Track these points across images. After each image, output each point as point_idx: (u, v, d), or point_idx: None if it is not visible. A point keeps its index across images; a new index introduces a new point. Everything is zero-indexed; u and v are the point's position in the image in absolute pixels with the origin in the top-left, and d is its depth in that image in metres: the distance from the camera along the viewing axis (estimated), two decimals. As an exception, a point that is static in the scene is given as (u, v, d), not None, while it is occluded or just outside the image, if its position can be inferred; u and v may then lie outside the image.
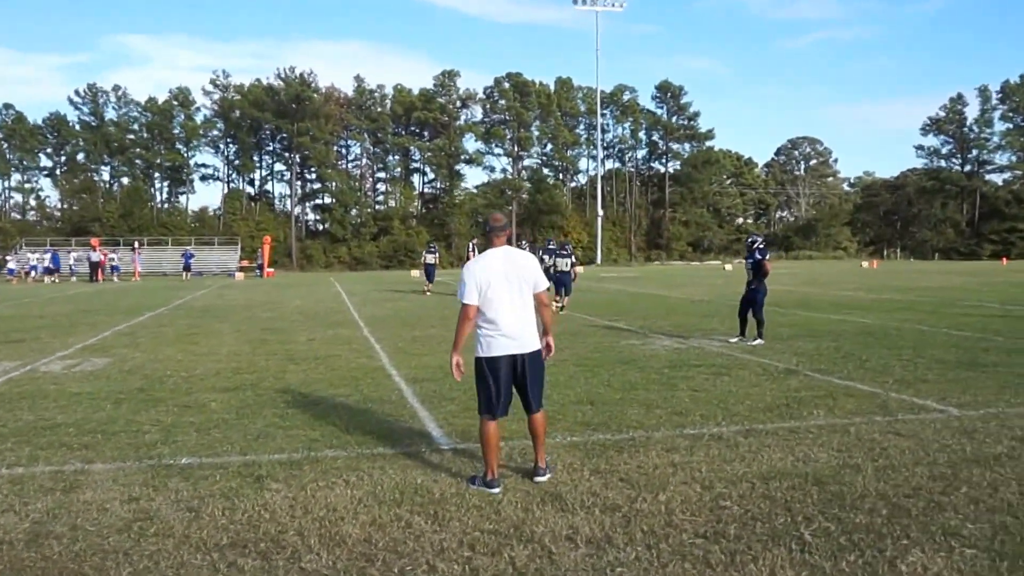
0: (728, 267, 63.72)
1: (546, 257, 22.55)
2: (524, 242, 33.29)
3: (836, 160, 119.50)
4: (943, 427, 7.45)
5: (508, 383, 5.80)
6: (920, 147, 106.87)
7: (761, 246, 13.94)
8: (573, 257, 23.27)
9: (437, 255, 32.31)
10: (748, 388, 9.56)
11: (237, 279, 53.68)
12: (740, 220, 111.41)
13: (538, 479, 5.87)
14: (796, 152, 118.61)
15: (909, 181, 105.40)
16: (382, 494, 5.75)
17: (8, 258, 52.85)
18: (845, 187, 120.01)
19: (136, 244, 58.84)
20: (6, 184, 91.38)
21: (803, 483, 5.82)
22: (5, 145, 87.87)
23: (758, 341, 13.47)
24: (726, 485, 5.82)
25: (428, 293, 29.62)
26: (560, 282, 21.31)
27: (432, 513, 5.33)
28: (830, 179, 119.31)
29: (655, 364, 11.51)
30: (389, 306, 24.45)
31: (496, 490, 5.67)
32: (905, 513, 5.16)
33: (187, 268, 53.74)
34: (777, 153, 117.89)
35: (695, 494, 5.61)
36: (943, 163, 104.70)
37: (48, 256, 54.37)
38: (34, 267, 52.42)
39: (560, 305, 21.25)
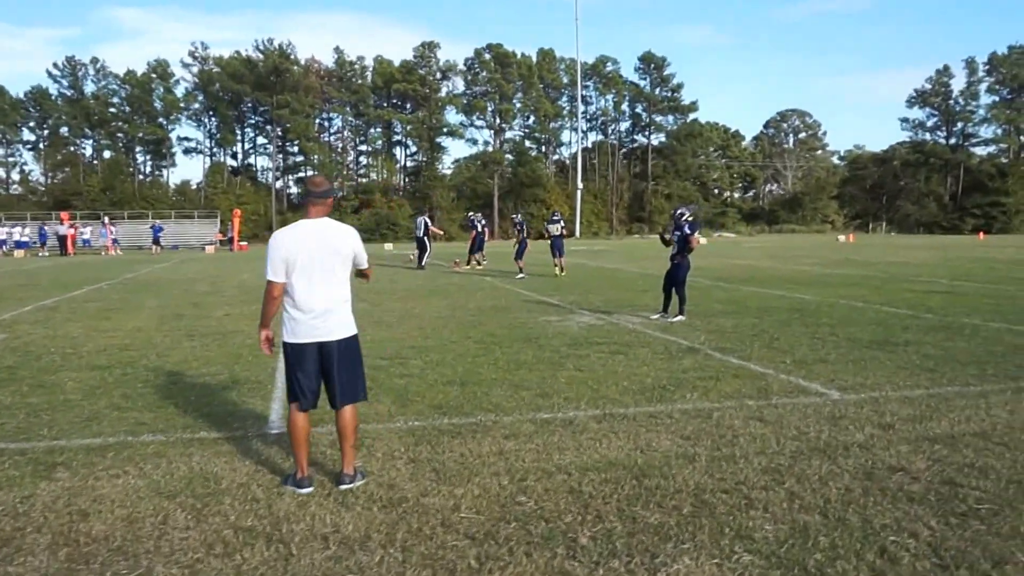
0: (703, 240, 63.05)
1: (550, 227, 24.63)
2: (518, 215, 32.72)
3: (825, 133, 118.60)
4: (813, 412, 6.99)
5: (315, 372, 5.18)
6: (905, 120, 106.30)
7: (690, 219, 13.37)
8: (562, 222, 25.55)
9: (483, 224, 30.39)
10: (635, 368, 9.09)
11: (207, 252, 52.94)
12: (728, 193, 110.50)
13: (343, 487, 5.19)
14: (785, 125, 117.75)
15: (896, 155, 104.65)
16: (165, 484, 5.31)
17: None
18: (835, 160, 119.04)
19: (106, 218, 57.84)
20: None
21: (624, 475, 5.36)
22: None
23: (679, 318, 13.00)
24: (539, 477, 5.35)
25: (480, 265, 29.00)
26: (554, 246, 24.22)
27: (199, 508, 4.84)
28: (819, 152, 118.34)
29: (556, 342, 11.02)
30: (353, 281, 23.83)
31: (306, 490, 5.12)
32: (708, 511, 4.69)
33: (156, 242, 53.01)
34: (766, 126, 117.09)
35: (497, 488, 5.13)
36: (928, 136, 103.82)
37: (24, 230, 53.56)
38: (3, 242, 51.56)
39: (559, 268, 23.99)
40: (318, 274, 5.05)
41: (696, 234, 13.33)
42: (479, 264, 28.86)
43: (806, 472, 5.38)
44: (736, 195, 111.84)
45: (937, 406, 7.16)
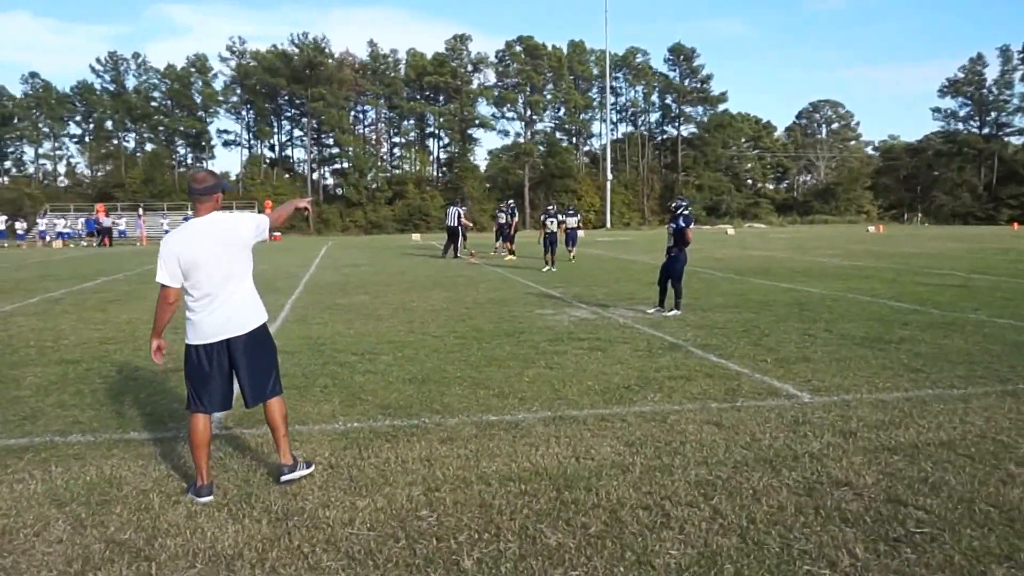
0: (731, 231, 62.22)
1: (547, 221, 24.19)
2: (508, 203, 32.42)
3: (858, 123, 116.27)
4: (775, 417, 6.58)
5: (222, 371, 4.95)
6: (937, 110, 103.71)
7: (686, 212, 12.92)
8: (578, 216, 28.03)
9: (508, 214, 30.35)
10: (607, 366, 8.72)
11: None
12: (760, 184, 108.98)
13: (284, 478, 5.11)
14: (817, 115, 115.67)
15: (930, 145, 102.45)
16: (64, 491, 5.09)
17: (17, 224, 52.57)
18: (869, 151, 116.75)
19: (140, 210, 58.28)
20: (38, 151, 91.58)
21: (546, 487, 5.01)
22: (36, 113, 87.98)
23: (673, 312, 12.59)
24: (455, 487, 5.01)
25: (510, 256, 28.77)
26: (569, 237, 26.27)
27: (83, 517, 4.61)
28: (852, 143, 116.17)
29: (538, 338, 10.68)
30: (349, 271, 23.69)
31: (205, 499, 4.85)
32: (618, 531, 4.35)
33: (185, 232, 52.95)
34: (798, 116, 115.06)
35: (404, 499, 4.82)
36: (960, 126, 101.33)
37: (65, 221, 54.23)
38: (43, 232, 52.18)
39: (572, 256, 26.30)
40: (218, 270, 4.85)
41: (691, 227, 12.82)
42: (511, 254, 28.71)
43: (742, 486, 4.98)
44: (769, 186, 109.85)
45: (910, 411, 6.70)
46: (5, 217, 52.14)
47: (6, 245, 49.45)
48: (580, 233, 30.89)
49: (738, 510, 4.63)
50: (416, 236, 58.34)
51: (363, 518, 4.59)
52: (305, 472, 5.19)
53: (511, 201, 33.79)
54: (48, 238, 51.41)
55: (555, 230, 23.99)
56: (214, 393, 4.95)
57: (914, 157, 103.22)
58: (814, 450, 5.72)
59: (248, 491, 5.08)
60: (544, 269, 22.83)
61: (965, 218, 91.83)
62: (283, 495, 4.97)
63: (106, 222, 51.27)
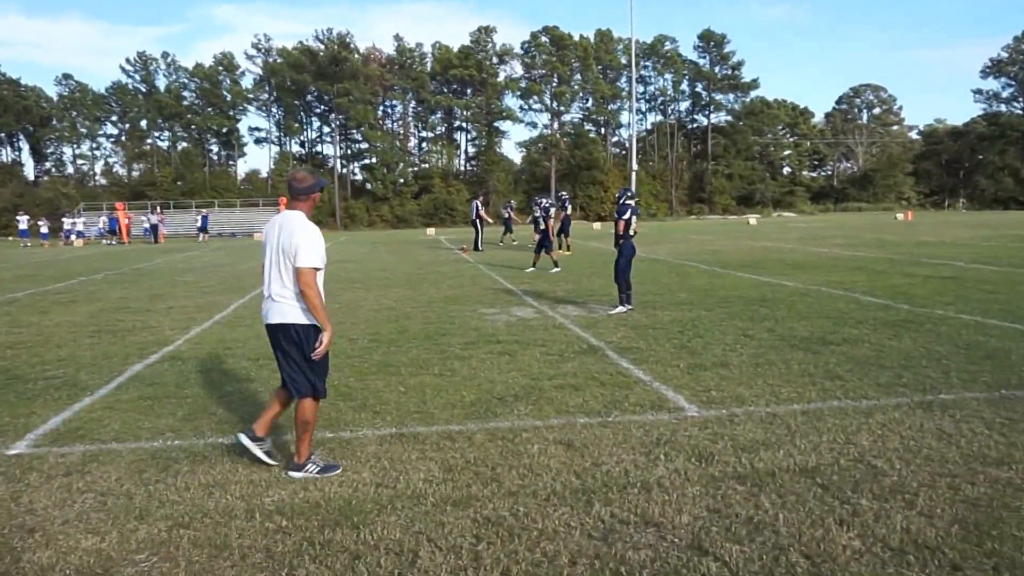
0: (752, 221, 60.89)
1: (537, 212, 21.82)
2: (508, 203, 32.01)
3: (900, 108, 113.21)
4: (641, 435, 5.89)
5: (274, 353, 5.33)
6: (979, 91, 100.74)
7: (623, 202, 12.12)
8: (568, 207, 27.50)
9: (509, 209, 33.08)
10: (504, 373, 8.06)
11: (255, 239, 53.07)
12: (796, 172, 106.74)
13: (291, 473, 5.24)
14: (858, 100, 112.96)
15: (974, 128, 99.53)
16: None
17: (40, 223, 53.02)
18: (913, 135, 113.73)
19: (158, 208, 58.49)
20: (76, 151, 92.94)
21: (314, 523, 4.46)
22: (74, 114, 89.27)
23: (618, 309, 11.81)
24: (209, 522, 4.42)
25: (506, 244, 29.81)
26: (562, 229, 26.20)
27: None
28: (895, 128, 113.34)
29: (457, 340, 10.08)
30: (332, 268, 23.11)
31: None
32: None
33: (204, 230, 53.22)
34: (838, 102, 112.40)
35: (143, 536, 4.18)
36: (1003, 108, 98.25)
37: (80, 220, 54.65)
38: (68, 232, 52.57)
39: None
40: (268, 262, 5.17)
41: (624, 218, 12.02)
42: (566, 249, 27.14)
43: (531, 527, 4.28)
44: (806, 173, 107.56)
45: (799, 427, 5.92)
46: (27, 217, 52.29)
47: (28, 244, 49.69)
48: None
49: (504, 558, 3.87)
50: (431, 231, 57.79)
51: (67, 564, 3.91)
52: (312, 472, 5.17)
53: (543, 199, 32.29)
54: (72, 237, 51.62)
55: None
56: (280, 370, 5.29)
57: (957, 141, 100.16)
58: (652, 479, 4.96)
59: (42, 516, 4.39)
60: (553, 271, 20.18)
61: (1007, 203, 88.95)
62: (19, 531, 4.28)
63: (153, 218, 51.25)
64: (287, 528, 4.34)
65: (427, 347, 9.69)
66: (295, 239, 4.92)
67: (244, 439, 5.31)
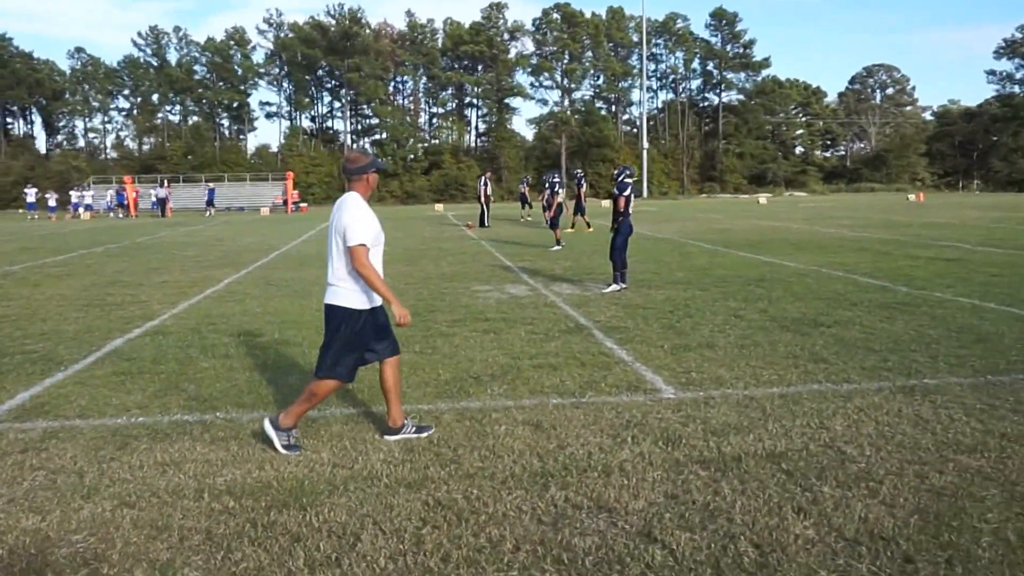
0: (762, 200, 60.48)
1: (561, 190, 22.05)
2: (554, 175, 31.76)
3: (914, 88, 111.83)
4: (612, 418, 5.81)
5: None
6: (992, 72, 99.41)
7: (622, 179, 11.97)
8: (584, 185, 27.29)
9: (526, 184, 34.14)
10: (484, 352, 7.99)
11: (262, 214, 53.14)
12: (808, 152, 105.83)
13: (388, 437, 5.44)
14: (872, 80, 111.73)
15: (987, 109, 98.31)
16: None
17: (48, 195, 53.16)
18: (927, 116, 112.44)
19: (166, 182, 58.45)
20: (87, 125, 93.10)
21: (262, 504, 4.40)
22: (86, 88, 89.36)
23: (611, 288, 11.71)
24: (155, 502, 4.39)
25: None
26: (577, 207, 26.37)
27: None
28: (908, 108, 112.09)
29: (445, 317, 10.10)
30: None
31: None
32: (270, 566, 3.46)
33: (210, 203, 53.19)
34: (851, 82, 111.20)
35: (86, 515, 4.15)
36: (1017, 89, 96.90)
37: (89, 194, 54.73)
38: (76, 205, 52.67)
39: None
40: (329, 242, 5.13)
41: (625, 195, 11.88)
42: (585, 227, 27.21)
43: (481, 510, 4.18)
44: (818, 153, 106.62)
45: (774, 411, 5.79)
46: (36, 190, 52.37)
47: (36, 217, 49.81)
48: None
49: (446, 543, 3.78)
50: (439, 207, 57.64)
51: (13, 539, 3.84)
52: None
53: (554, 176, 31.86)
54: (80, 210, 51.71)
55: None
56: None
57: (970, 122, 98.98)
58: (614, 462, 4.84)
59: None
60: (556, 248, 19.93)
61: (1021, 185, 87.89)
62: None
63: (161, 192, 51.24)
64: (233, 509, 4.24)
65: (413, 324, 9.51)
66: (344, 219, 4.90)
67: (389, 437, 5.34)
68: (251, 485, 4.59)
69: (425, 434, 5.35)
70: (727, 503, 4.21)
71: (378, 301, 5.13)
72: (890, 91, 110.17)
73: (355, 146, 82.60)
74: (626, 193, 11.94)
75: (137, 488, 4.56)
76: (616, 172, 12.38)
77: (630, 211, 12.13)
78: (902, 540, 3.71)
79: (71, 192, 54.68)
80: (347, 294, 5.01)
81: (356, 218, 4.91)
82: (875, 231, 24.21)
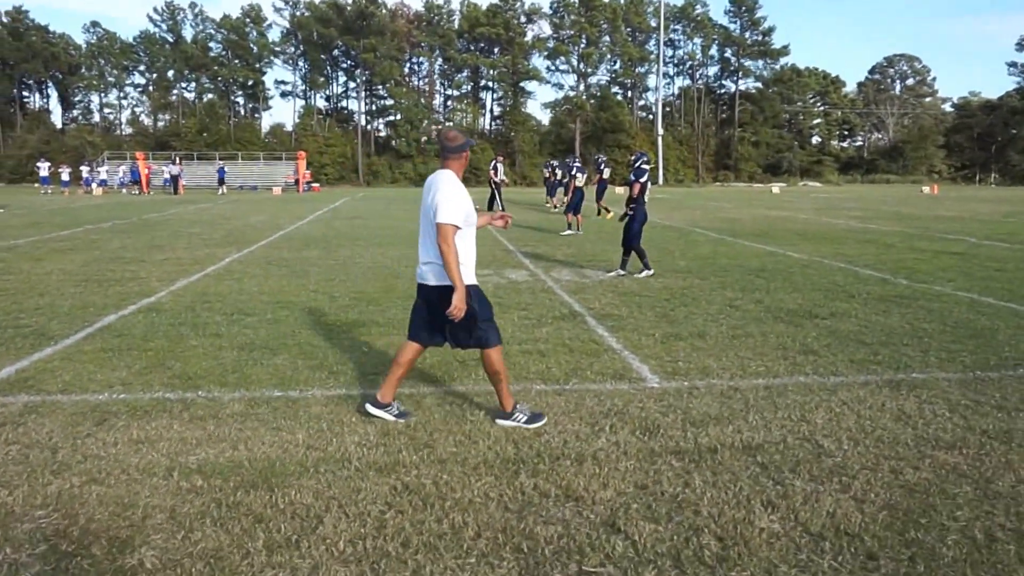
0: (775, 190, 60.17)
1: (580, 175, 22.35)
2: (554, 162, 31.86)
3: (935, 79, 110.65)
4: (594, 405, 5.79)
5: (419, 308, 5.37)
6: (1013, 64, 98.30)
7: (639, 165, 11.95)
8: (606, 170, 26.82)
9: (549, 169, 32.43)
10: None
11: (274, 193, 53.23)
12: (824, 142, 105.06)
13: (499, 421, 5.32)
14: (892, 70, 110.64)
15: (1008, 101, 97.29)
16: None
17: (61, 170, 53.38)
18: (947, 108, 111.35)
19: (178, 159, 58.55)
20: (103, 100, 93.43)
21: (231, 484, 4.40)
22: (102, 62, 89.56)
23: (645, 273, 12.21)
24: (123, 479, 4.41)
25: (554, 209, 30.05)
26: (599, 192, 26.47)
27: None
28: (928, 99, 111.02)
29: None
30: (341, 224, 23.17)
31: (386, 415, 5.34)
32: (230, 547, 3.48)
33: (221, 182, 53.29)
34: (871, 71, 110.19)
35: (53, 491, 4.15)
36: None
37: (102, 170, 54.95)
38: (88, 180, 52.86)
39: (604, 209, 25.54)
40: (422, 221, 5.15)
41: (641, 181, 11.87)
42: (555, 208, 29.18)
43: (448, 496, 4.18)
44: (835, 143, 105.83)
45: (756, 403, 5.76)
46: (48, 164, 52.55)
47: (49, 191, 50.02)
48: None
49: (408, 527, 3.78)
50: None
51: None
52: (522, 421, 5.25)
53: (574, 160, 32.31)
54: (92, 185, 51.89)
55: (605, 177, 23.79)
56: (414, 323, 5.36)
57: (990, 114, 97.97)
58: (589, 451, 4.83)
59: None
60: (567, 232, 20.17)
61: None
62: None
63: (175, 169, 51.41)
64: (200, 488, 4.23)
65: (408, 307, 9.43)
66: (438, 197, 4.89)
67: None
68: (222, 465, 4.58)
69: (539, 423, 5.31)
70: (696, 495, 4.17)
71: (474, 279, 5.16)
72: (910, 82, 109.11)
73: (450, 125, 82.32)
74: (643, 179, 11.91)
75: (108, 465, 4.55)
76: (633, 158, 12.41)
77: (645, 198, 12.08)
78: (867, 536, 3.66)
79: (82, 168, 54.77)
80: (443, 272, 5.03)
81: (449, 197, 4.90)
82: (883, 223, 24.03)
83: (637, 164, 12.15)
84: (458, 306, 4.89)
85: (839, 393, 6.00)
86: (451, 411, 5.57)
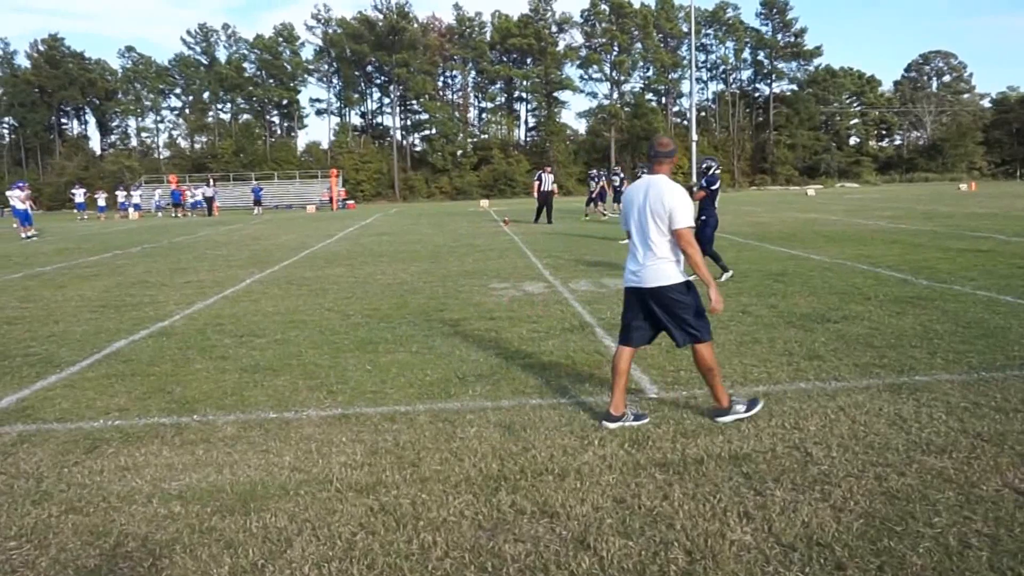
0: (811, 192, 59.49)
1: (616, 180, 26.22)
2: (600, 171, 32.75)
3: (971, 75, 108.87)
4: (589, 417, 5.58)
5: (634, 315, 5.53)
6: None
7: (709, 173, 11.93)
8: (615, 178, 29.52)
9: (596, 180, 31.30)
10: (479, 352, 7.97)
11: (308, 212, 53.75)
12: (862, 142, 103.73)
13: (717, 419, 5.46)
14: (928, 68, 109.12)
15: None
16: None
17: (97, 196, 54.36)
18: (985, 104, 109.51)
19: (212, 180, 59.39)
20: (140, 124, 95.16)
21: (208, 510, 4.40)
22: (138, 87, 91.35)
23: (726, 276, 12.25)
24: (102, 508, 4.37)
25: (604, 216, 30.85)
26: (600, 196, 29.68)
27: None
28: (965, 96, 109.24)
29: (453, 316, 10.12)
30: (369, 241, 23.27)
31: (613, 424, 5.43)
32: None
33: (257, 202, 53.93)
34: (907, 69, 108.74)
35: (28, 523, 4.13)
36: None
37: (136, 194, 55.86)
38: (124, 204, 53.78)
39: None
40: (635, 227, 5.38)
41: (708, 188, 12.16)
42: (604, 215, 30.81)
43: (423, 516, 4.13)
44: (873, 143, 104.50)
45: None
46: (84, 190, 53.50)
47: (86, 217, 50.87)
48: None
49: (377, 549, 3.74)
50: (484, 203, 57.70)
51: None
52: (741, 413, 5.43)
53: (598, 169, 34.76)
54: (128, 210, 52.76)
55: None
56: (628, 327, 5.58)
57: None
58: (573, 465, 4.80)
59: None
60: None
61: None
62: None
63: (209, 191, 52.30)
64: (177, 514, 4.25)
65: (418, 323, 9.57)
66: (669, 202, 5.13)
67: (610, 425, 5.39)
68: (204, 489, 4.59)
69: (757, 408, 5.55)
70: (673, 508, 4.11)
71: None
72: (947, 79, 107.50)
73: (659, 134, 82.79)
74: (715, 186, 11.90)
75: (90, 493, 4.58)
76: (704, 166, 12.32)
77: (715, 204, 12.08)
78: (838, 546, 3.58)
79: (117, 193, 55.70)
80: (674, 269, 5.28)
81: (685, 202, 5.16)
82: (913, 222, 23.64)
83: (711, 172, 12.12)
84: (718, 299, 5.26)
85: (837, 398, 5.89)
86: (442, 429, 5.54)
